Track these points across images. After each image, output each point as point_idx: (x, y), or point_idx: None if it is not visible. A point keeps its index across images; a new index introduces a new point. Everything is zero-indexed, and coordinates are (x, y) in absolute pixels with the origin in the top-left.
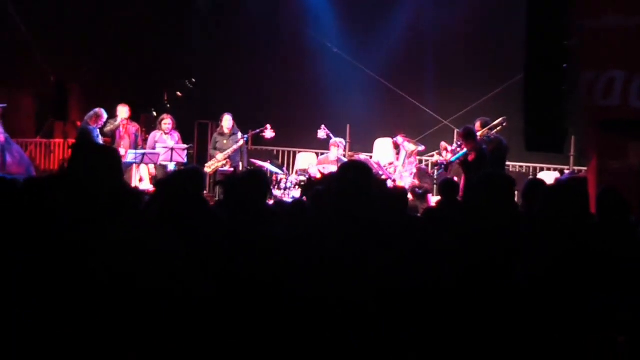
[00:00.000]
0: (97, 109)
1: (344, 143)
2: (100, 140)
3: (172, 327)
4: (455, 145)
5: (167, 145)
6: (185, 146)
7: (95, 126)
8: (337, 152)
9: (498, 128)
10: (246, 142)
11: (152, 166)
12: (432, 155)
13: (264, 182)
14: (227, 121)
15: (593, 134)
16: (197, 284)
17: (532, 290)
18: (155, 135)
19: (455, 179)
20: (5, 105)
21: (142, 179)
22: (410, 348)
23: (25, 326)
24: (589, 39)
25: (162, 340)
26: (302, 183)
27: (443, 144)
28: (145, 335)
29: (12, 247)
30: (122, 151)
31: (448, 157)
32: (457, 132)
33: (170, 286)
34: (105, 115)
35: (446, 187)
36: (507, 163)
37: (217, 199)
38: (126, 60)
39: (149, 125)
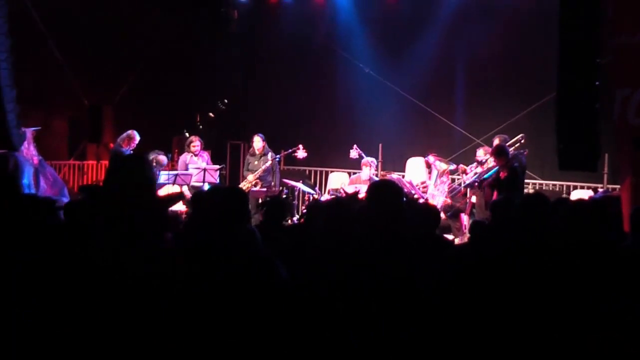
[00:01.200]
0: (129, 131)
1: (375, 162)
2: None
3: (172, 329)
4: (473, 165)
5: (199, 166)
6: (217, 167)
7: (127, 148)
8: (369, 171)
9: (516, 145)
10: (278, 162)
11: (185, 188)
12: (454, 180)
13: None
14: (258, 142)
15: (627, 151)
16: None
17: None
18: (185, 157)
19: (474, 198)
20: (39, 127)
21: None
22: (410, 348)
23: (26, 326)
24: (623, 56)
25: (162, 342)
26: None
27: (462, 166)
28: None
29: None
30: None
31: (466, 178)
32: (486, 150)
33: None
34: (137, 137)
35: (498, 207)
36: (541, 181)
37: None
38: (158, 82)
39: (181, 147)
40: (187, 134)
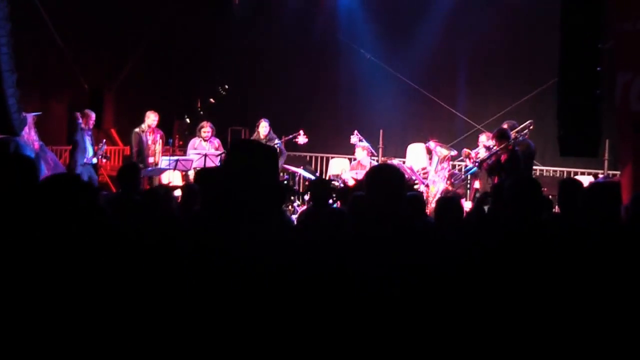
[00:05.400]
0: (85, 110)
1: (370, 147)
2: (88, 140)
3: (176, 325)
4: (477, 150)
5: (200, 152)
6: (218, 152)
7: (85, 127)
8: (365, 154)
9: (525, 131)
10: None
11: (191, 173)
12: (454, 166)
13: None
14: (264, 127)
15: (627, 138)
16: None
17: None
18: (194, 142)
19: (477, 182)
20: (40, 113)
21: (170, 183)
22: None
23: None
24: (625, 43)
25: (167, 339)
26: (338, 188)
27: (466, 150)
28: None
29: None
30: (150, 159)
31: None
32: (491, 134)
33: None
34: (93, 116)
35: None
36: (542, 167)
37: None
38: (159, 68)
39: (182, 132)
40: (188, 120)
